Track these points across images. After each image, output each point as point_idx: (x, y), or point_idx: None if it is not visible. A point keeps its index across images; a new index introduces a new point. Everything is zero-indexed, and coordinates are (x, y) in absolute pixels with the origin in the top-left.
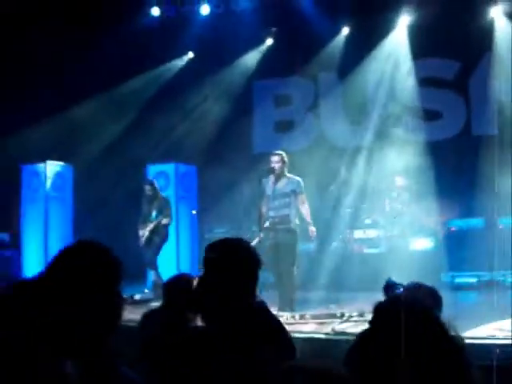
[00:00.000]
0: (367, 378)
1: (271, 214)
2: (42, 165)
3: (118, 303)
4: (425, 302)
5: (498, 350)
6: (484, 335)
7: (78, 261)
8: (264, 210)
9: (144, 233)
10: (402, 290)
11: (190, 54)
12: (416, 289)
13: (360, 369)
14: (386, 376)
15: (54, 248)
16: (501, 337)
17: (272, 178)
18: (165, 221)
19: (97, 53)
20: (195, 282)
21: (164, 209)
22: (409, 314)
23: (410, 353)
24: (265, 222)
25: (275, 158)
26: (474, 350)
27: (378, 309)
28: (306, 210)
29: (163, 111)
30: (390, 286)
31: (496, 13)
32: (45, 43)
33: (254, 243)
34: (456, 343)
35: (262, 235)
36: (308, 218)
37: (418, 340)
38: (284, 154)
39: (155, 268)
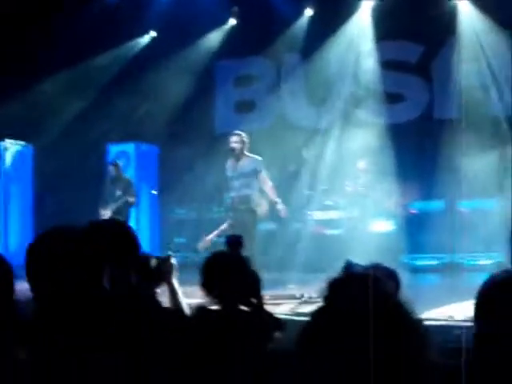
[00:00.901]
0: (321, 355)
1: (232, 194)
2: (0, 143)
3: None
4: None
5: (462, 332)
6: (443, 317)
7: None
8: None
9: (106, 213)
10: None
11: (153, 33)
12: (374, 270)
13: (314, 345)
14: (341, 352)
15: (14, 227)
16: (460, 319)
17: (232, 158)
18: (131, 200)
19: (58, 30)
20: (153, 262)
21: (128, 189)
22: (363, 288)
23: (363, 329)
24: (226, 201)
25: (234, 138)
26: (432, 331)
27: (332, 284)
28: (269, 188)
29: (125, 90)
30: (348, 267)
31: None
32: (4, 20)
33: (223, 227)
34: (412, 320)
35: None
36: (273, 196)
37: (372, 315)
38: (244, 134)
39: None
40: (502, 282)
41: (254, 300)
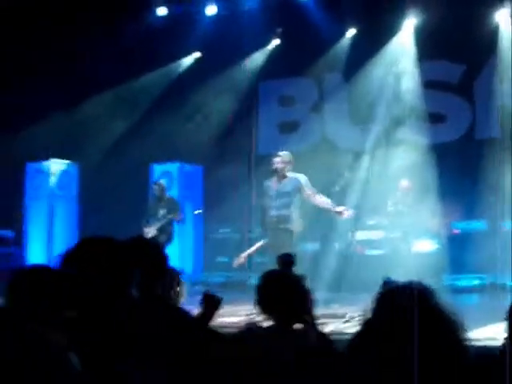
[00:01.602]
0: (370, 362)
1: (272, 213)
2: (46, 162)
3: None
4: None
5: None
6: (485, 337)
7: None
8: (266, 209)
9: (150, 231)
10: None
11: (197, 54)
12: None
13: (363, 353)
14: (389, 358)
15: (59, 245)
16: (502, 339)
17: (275, 178)
18: (175, 217)
19: (103, 51)
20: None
21: (173, 207)
22: (409, 300)
23: (411, 335)
24: (266, 220)
25: (277, 159)
26: (474, 351)
27: (380, 294)
28: (320, 199)
29: (169, 110)
30: (386, 285)
31: (501, 16)
32: (51, 41)
33: (258, 245)
34: (456, 325)
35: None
36: (327, 205)
37: (419, 322)
38: (286, 155)
39: None
40: None
41: (307, 317)
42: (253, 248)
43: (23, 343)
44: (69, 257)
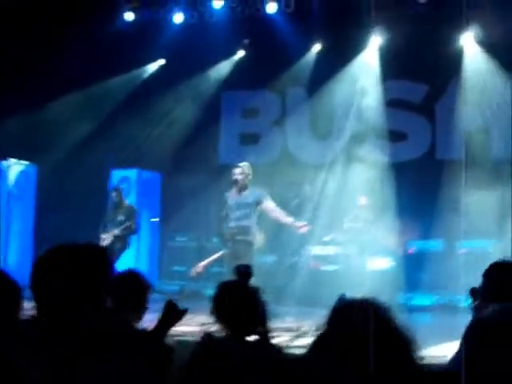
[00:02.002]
0: (324, 376)
1: (232, 224)
2: (4, 162)
3: None
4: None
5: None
6: (438, 355)
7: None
8: (225, 220)
9: (107, 237)
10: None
11: (162, 61)
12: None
13: (317, 366)
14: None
15: (14, 246)
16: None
17: (235, 189)
18: (133, 226)
19: (68, 54)
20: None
21: (131, 215)
22: (363, 314)
23: (365, 351)
24: (225, 231)
25: (238, 170)
26: (427, 369)
27: (335, 309)
28: (279, 213)
29: (131, 116)
30: (341, 300)
31: (466, 39)
32: (15, 41)
33: (217, 255)
34: (409, 342)
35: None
36: (286, 219)
37: (372, 334)
38: (247, 166)
39: None
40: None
41: (261, 329)
42: (211, 258)
43: None
44: (40, 264)
